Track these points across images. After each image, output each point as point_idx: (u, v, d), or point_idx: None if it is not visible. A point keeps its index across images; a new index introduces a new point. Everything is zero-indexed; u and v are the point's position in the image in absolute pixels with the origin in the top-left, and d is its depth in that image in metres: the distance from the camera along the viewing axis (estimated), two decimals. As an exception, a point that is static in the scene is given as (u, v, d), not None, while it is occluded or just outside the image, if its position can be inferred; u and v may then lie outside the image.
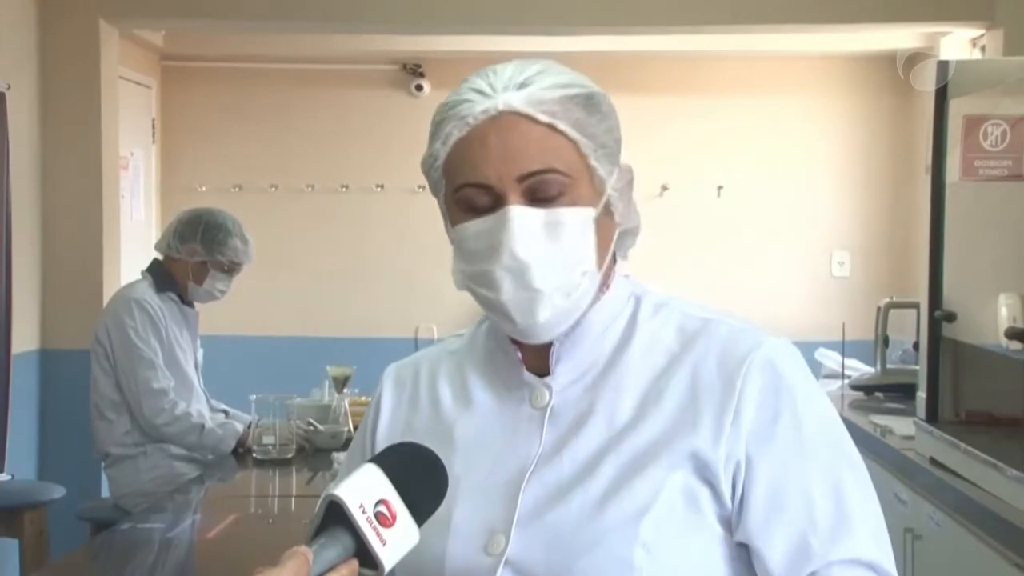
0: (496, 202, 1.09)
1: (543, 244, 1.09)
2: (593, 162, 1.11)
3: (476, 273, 1.12)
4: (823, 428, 1.12)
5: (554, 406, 1.15)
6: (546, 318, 1.11)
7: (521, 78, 1.11)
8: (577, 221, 1.10)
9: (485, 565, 1.10)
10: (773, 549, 1.07)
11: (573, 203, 1.10)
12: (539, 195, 1.09)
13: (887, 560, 1.09)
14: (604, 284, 1.17)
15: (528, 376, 1.18)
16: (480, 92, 1.10)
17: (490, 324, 1.23)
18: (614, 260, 1.20)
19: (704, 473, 1.08)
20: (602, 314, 1.17)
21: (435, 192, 1.18)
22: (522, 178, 1.08)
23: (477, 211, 1.10)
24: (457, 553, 1.12)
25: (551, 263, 1.09)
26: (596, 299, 1.16)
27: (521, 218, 1.08)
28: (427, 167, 1.15)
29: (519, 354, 1.18)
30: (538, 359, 1.17)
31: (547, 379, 1.16)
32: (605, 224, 1.14)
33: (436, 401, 1.23)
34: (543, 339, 1.14)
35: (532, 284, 1.09)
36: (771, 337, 1.14)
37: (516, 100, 1.09)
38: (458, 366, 1.24)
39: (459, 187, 1.11)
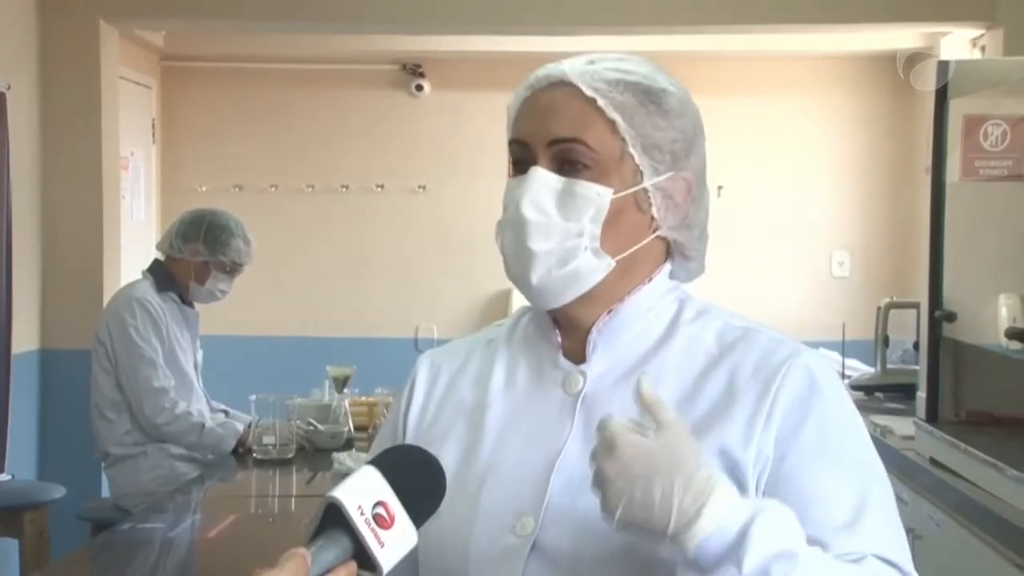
0: (531, 163, 1.16)
1: (549, 208, 1.15)
2: (631, 148, 1.15)
3: (497, 224, 1.19)
4: (852, 438, 1.14)
5: (587, 394, 1.17)
6: (539, 281, 1.15)
7: (593, 58, 1.19)
8: (590, 194, 1.14)
9: (512, 546, 1.11)
10: None
11: (597, 179, 1.15)
12: (566, 164, 1.15)
13: (908, 564, 1.09)
14: (646, 278, 1.20)
15: (564, 362, 1.20)
16: (557, 64, 1.19)
17: (533, 313, 1.26)
18: (666, 260, 1.22)
19: (733, 471, 1.09)
20: (639, 306, 1.19)
21: None
22: (551, 143, 1.15)
23: (518, 171, 1.18)
24: (484, 533, 1.12)
25: (550, 227, 1.14)
26: (633, 290, 1.19)
27: (538, 180, 1.15)
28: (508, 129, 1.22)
29: (559, 339, 1.20)
30: (577, 347, 1.20)
31: (582, 366, 1.18)
32: (632, 214, 1.17)
33: (471, 385, 1.25)
34: (549, 305, 1.17)
35: (525, 242, 1.15)
36: (809, 350, 1.18)
37: (573, 69, 1.17)
38: (494, 353, 1.26)
39: (509, 143, 1.20)
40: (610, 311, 1.18)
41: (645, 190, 1.16)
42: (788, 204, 5.88)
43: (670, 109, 1.17)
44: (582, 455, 1.12)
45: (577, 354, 1.19)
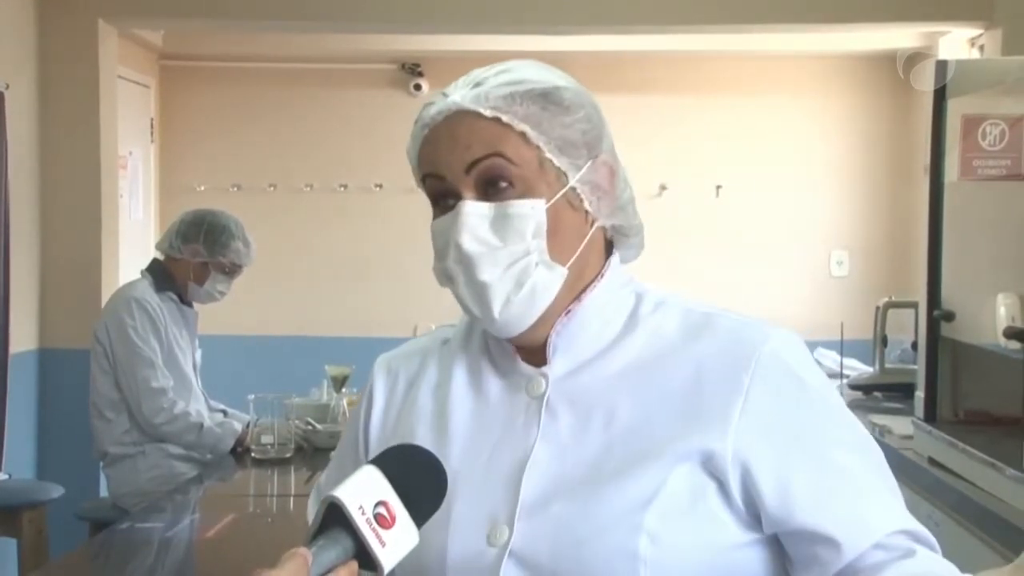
0: (454, 196, 1.14)
1: (488, 237, 1.12)
2: (547, 154, 1.14)
3: (439, 269, 1.17)
4: (834, 416, 1.14)
5: (551, 396, 1.16)
6: (500, 310, 1.13)
7: (477, 79, 1.16)
8: (524, 211, 1.12)
9: (488, 555, 1.10)
10: (822, 528, 1.07)
11: (525, 195, 1.13)
12: (489, 186, 1.13)
13: (922, 528, 1.11)
14: (598, 275, 1.19)
15: (524, 366, 1.18)
16: (443, 95, 1.16)
17: None
18: (608, 254, 1.21)
19: (710, 467, 1.08)
20: (596, 304, 1.18)
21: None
22: (469, 167, 1.12)
23: (441, 207, 1.16)
24: (459, 544, 1.11)
25: (495, 255, 1.12)
26: (587, 289, 1.18)
27: (470, 213, 1.12)
28: (413, 171, 1.20)
29: (513, 345, 1.19)
30: (534, 349, 1.18)
31: (543, 369, 1.17)
32: (569, 216, 1.15)
33: (431, 391, 1.23)
34: (513, 332, 1.15)
35: (477, 276, 1.13)
36: (776, 329, 1.15)
37: (464, 98, 1.14)
38: (452, 356, 1.25)
39: (423, 179, 1.17)
40: (567, 312, 1.17)
41: (573, 188, 1.15)
42: (787, 204, 5.88)
43: (570, 104, 1.16)
44: (551, 458, 1.12)
45: (536, 356, 1.18)
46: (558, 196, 1.14)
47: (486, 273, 1.12)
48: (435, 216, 1.17)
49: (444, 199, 1.15)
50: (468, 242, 1.12)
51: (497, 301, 1.13)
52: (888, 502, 1.10)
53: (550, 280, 1.14)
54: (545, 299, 1.14)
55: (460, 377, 1.22)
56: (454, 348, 1.25)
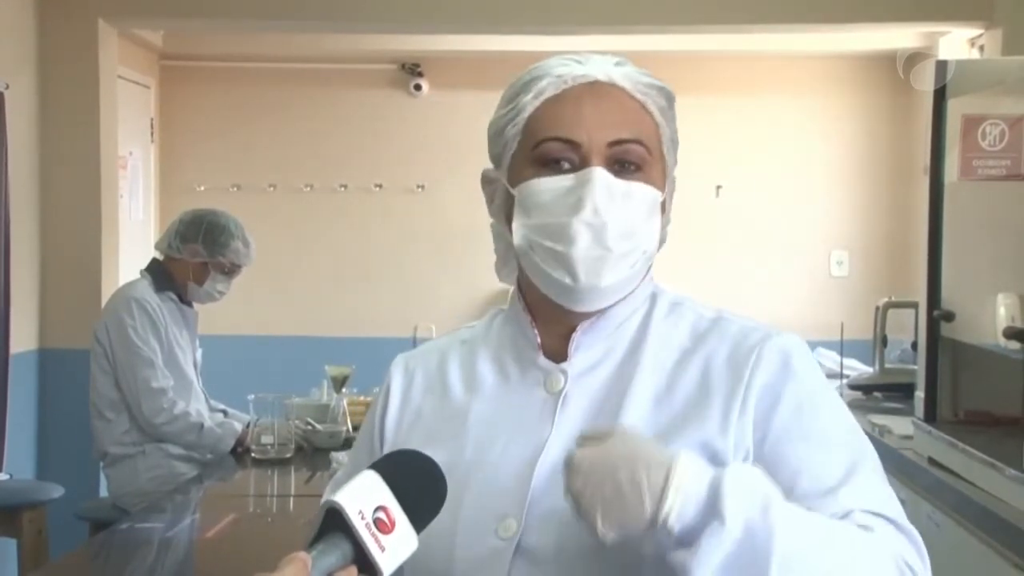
0: (580, 163, 1.13)
1: (621, 209, 1.13)
2: (666, 151, 1.18)
3: (548, 225, 1.14)
4: (830, 413, 1.14)
5: (567, 393, 1.16)
6: (609, 282, 1.13)
7: (616, 59, 1.18)
8: (649, 198, 1.15)
9: (496, 548, 1.10)
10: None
11: (647, 182, 1.15)
12: (620, 165, 1.14)
13: (901, 519, 1.08)
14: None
15: (544, 361, 1.19)
16: (576, 61, 1.17)
17: (507, 314, 1.25)
18: None
19: (714, 462, 1.08)
20: (627, 307, 1.20)
21: (499, 154, 1.20)
22: (612, 144, 1.13)
23: (554, 169, 1.14)
24: (467, 536, 1.12)
25: (625, 228, 1.13)
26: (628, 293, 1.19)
27: (605, 180, 1.12)
28: (504, 123, 1.19)
29: (539, 338, 1.20)
30: (556, 345, 1.19)
31: (563, 365, 1.18)
32: (660, 214, 1.18)
33: (447, 388, 1.24)
34: (594, 306, 1.16)
35: (607, 242, 1.12)
36: (781, 332, 1.17)
37: (616, 73, 1.16)
38: (470, 353, 1.25)
39: (542, 140, 1.15)
40: (600, 311, 1.17)
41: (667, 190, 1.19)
42: (787, 204, 5.88)
43: (674, 112, 1.20)
44: (563, 454, 1.10)
45: (556, 353, 1.19)
46: (667, 191, 1.18)
47: (614, 241, 1.12)
48: (534, 175, 1.15)
49: (559, 162, 1.14)
50: (606, 209, 1.12)
51: (610, 273, 1.13)
52: (868, 487, 1.08)
53: (642, 270, 1.17)
54: (631, 286, 1.17)
55: (480, 372, 1.23)
56: (474, 345, 1.26)
